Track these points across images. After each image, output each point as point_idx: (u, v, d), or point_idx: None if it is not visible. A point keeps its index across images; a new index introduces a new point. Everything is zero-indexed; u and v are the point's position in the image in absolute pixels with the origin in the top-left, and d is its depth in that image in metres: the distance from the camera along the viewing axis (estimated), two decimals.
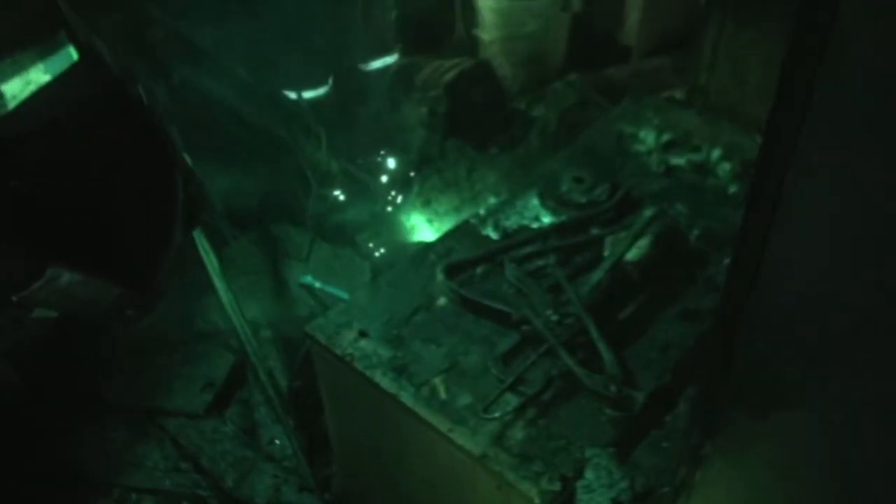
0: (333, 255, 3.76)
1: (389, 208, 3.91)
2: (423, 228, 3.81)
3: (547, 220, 2.85)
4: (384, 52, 4.24)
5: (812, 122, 1.25)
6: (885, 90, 1.15)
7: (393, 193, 3.92)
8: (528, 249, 2.67)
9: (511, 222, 2.86)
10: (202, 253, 3.23)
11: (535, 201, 2.92)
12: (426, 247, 2.85)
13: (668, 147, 3.08)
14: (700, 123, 3.19)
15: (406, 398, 2.28)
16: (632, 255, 2.54)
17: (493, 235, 2.80)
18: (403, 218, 3.86)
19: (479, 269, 2.65)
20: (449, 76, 4.07)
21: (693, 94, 3.46)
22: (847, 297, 1.29)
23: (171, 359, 3.49)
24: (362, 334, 2.47)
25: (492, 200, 3.00)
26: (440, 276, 2.58)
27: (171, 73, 3.58)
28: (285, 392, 3.21)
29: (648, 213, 2.72)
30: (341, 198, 3.90)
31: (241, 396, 3.33)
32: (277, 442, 3.16)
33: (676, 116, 3.23)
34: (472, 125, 3.97)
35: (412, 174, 3.94)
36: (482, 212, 2.90)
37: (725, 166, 2.98)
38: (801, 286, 1.35)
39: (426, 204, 3.86)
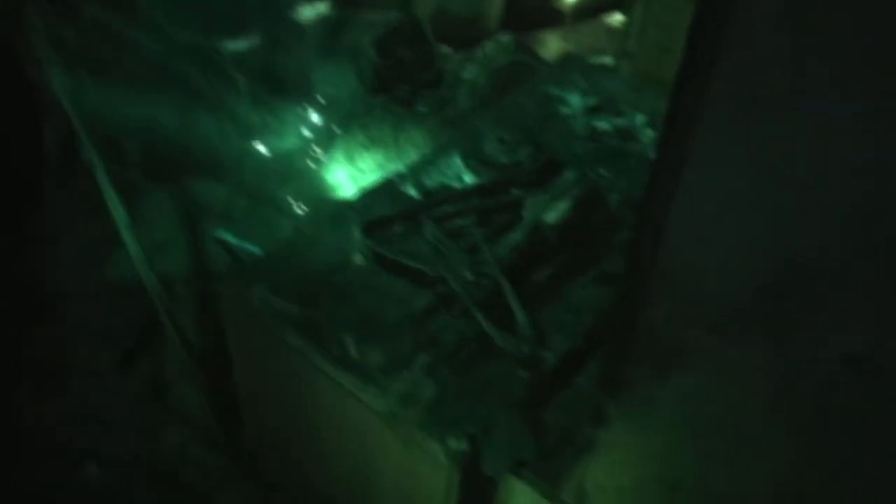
0: (252, 210, 3.65)
1: (312, 164, 3.80)
2: (346, 186, 3.73)
3: (469, 180, 2.81)
4: (314, 1, 4.10)
5: (717, 86, 1.24)
6: (788, 57, 1.14)
7: (316, 149, 3.81)
8: (448, 209, 2.64)
9: (433, 181, 2.82)
10: (109, 204, 3.08)
11: (457, 161, 2.88)
12: (345, 204, 2.78)
13: (594, 111, 3.07)
14: (626, 89, 3.19)
15: (316, 357, 2.23)
16: (551, 217, 2.53)
17: (414, 194, 2.75)
18: (326, 174, 3.77)
19: (397, 228, 2.60)
20: (378, 31, 3.96)
21: (622, 58, 3.45)
22: (752, 265, 1.29)
23: (78, 313, 3.35)
24: (273, 290, 2.40)
25: (414, 157, 2.95)
26: (357, 234, 2.52)
27: (80, 12, 3.37)
28: (196, 349, 3.11)
29: (570, 176, 2.71)
30: (262, 151, 3.78)
31: (151, 353, 3.22)
32: (187, 400, 3.07)
33: (603, 81, 3.22)
34: (401, 83, 3.89)
35: (336, 130, 3.84)
36: (403, 169, 2.85)
37: (648, 133, 2.99)
38: (705, 252, 1.35)
39: (350, 161, 3.77)
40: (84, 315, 3.39)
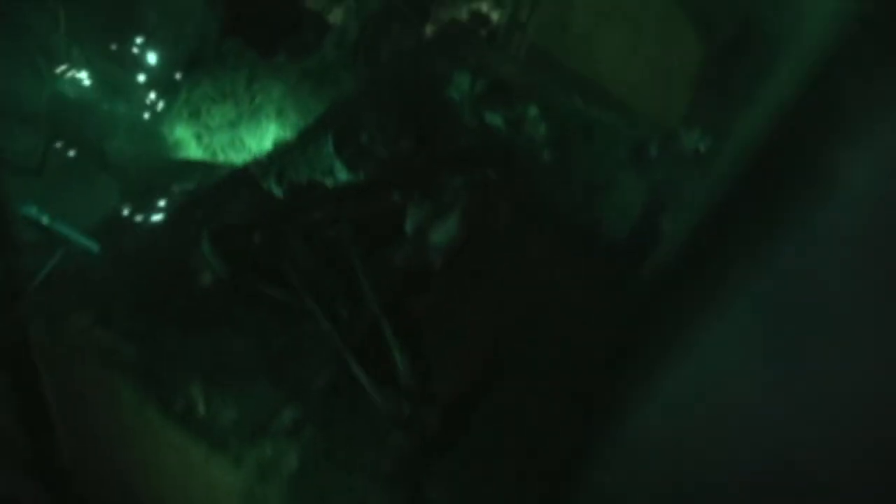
0: (72, 166, 3.05)
1: (147, 115, 3.21)
2: (189, 144, 3.19)
3: (342, 175, 2.43)
4: None
5: None
6: None
7: (153, 97, 3.21)
8: (319, 215, 2.26)
9: (299, 174, 2.42)
10: None
11: (329, 150, 2.48)
12: (190, 199, 2.33)
13: (483, 98, 2.75)
14: (518, 72, 2.88)
15: (154, 413, 1.84)
16: (437, 237, 2.23)
17: (277, 191, 2.34)
18: (166, 129, 3.20)
19: (256, 237, 2.19)
20: None
21: (512, 30, 3.11)
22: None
23: None
24: (100, 320, 1.95)
25: (271, 144, 2.51)
26: (206, 245, 2.10)
27: None
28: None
29: (458, 181, 2.40)
30: (86, 94, 3.13)
31: None
32: None
33: (494, 60, 2.88)
34: (257, 25, 3.33)
35: (179, 76, 3.25)
36: (264, 158, 2.42)
37: (542, 127, 2.72)
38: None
39: (195, 115, 3.22)
40: None
